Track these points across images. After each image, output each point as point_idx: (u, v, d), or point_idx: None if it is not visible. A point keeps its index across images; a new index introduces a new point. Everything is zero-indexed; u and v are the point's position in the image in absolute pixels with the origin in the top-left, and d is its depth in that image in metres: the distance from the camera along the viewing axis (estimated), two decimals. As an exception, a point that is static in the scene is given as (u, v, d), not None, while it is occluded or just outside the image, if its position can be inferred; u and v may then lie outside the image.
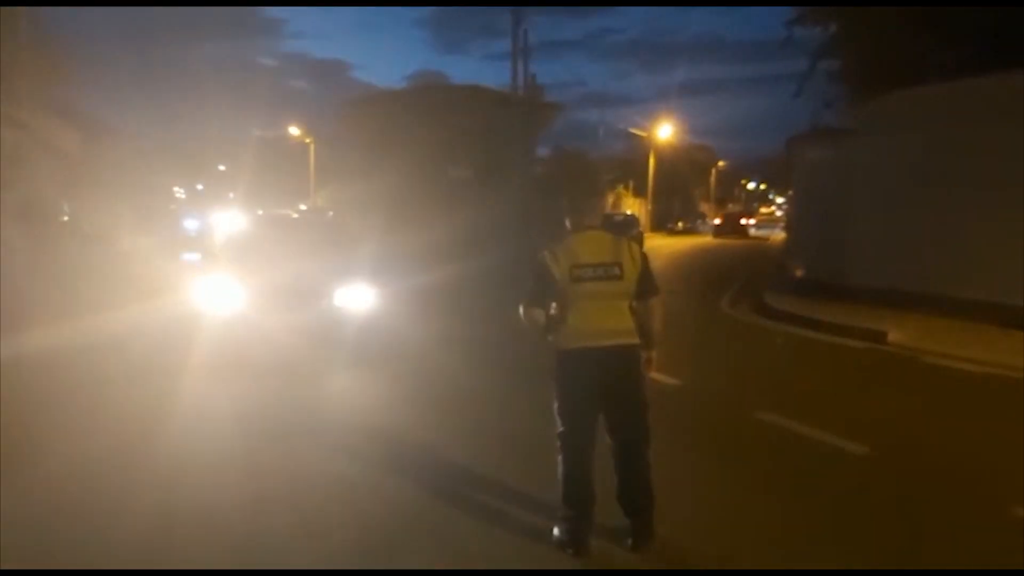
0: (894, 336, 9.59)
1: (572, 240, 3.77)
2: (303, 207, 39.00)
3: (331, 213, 27.03)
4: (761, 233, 48.03)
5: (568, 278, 3.65)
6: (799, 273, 15.09)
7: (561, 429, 3.75)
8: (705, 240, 39.29)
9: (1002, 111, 10.34)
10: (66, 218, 18.08)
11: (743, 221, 47.87)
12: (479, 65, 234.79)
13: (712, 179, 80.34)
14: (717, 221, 48.50)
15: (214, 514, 4.15)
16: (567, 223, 3.86)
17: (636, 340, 3.74)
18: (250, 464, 4.96)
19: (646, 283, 3.74)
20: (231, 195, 48.52)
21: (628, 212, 37.20)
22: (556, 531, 3.75)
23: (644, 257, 3.78)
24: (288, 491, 4.51)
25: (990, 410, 6.64)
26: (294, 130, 46.96)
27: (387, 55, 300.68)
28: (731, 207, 67.77)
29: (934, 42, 13.54)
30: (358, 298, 8.36)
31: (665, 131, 48.90)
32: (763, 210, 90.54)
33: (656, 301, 3.79)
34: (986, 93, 10.78)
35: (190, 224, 26.22)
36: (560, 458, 3.76)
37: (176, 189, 54.08)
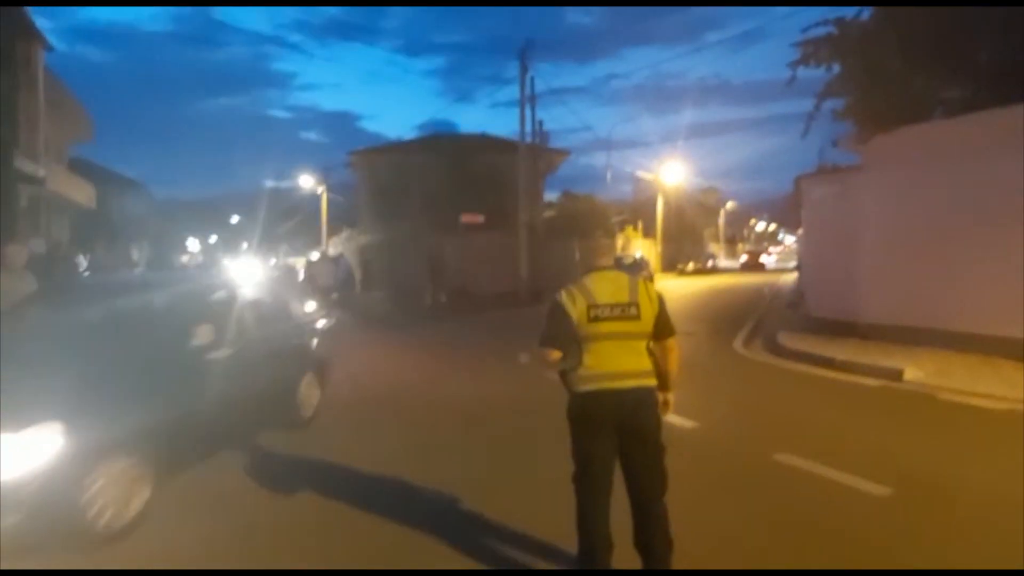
0: (910, 374, 9.50)
1: (589, 280, 3.76)
2: (315, 254, 39.27)
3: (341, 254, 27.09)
4: (776, 266, 58.30)
5: (585, 318, 3.63)
6: (811, 312, 15.02)
7: (575, 471, 3.71)
8: (716, 280, 39.23)
9: (1007, 145, 10.37)
10: (85, 272, 18.27)
11: (761, 259, 62.23)
12: (487, 113, 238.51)
13: (721, 220, 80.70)
14: (744, 258, 61.70)
15: None
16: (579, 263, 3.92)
17: (653, 382, 3.69)
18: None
19: (662, 324, 3.73)
20: (245, 245, 48.98)
21: (638, 254, 37.25)
22: None
23: (660, 298, 3.77)
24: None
25: (1011, 447, 6.53)
26: (306, 180, 47.51)
27: (396, 106, 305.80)
28: (750, 248, 78.34)
29: (937, 79, 13.65)
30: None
31: (672, 173, 49.24)
32: (774, 249, 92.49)
33: (672, 342, 3.80)
34: (991, 128, 10.83)
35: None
36: (576, 502, 3.72)
37: (190, 240, 54.70)
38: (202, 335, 5.53)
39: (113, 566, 4.19)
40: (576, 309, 3.64)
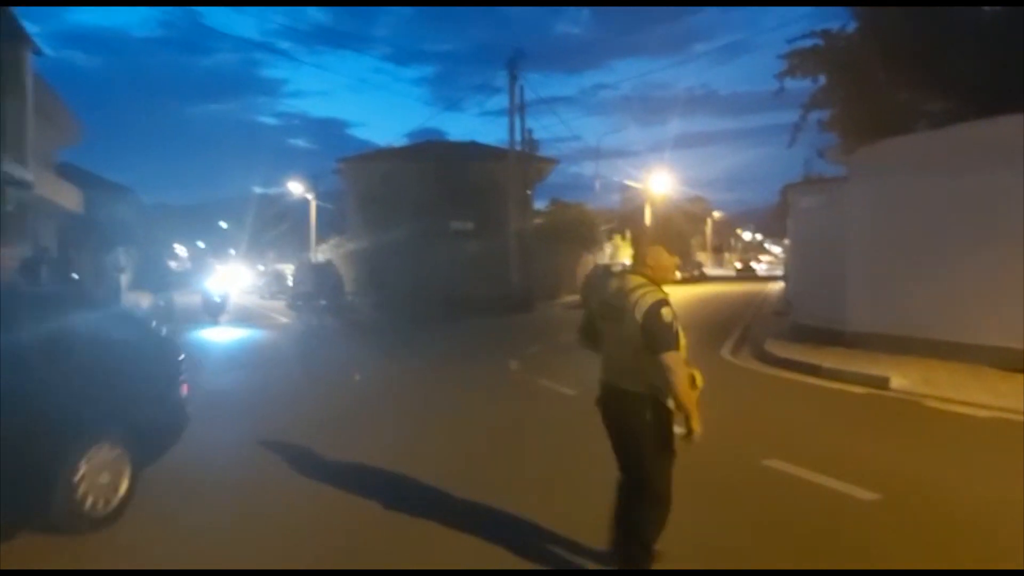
0: (896, 382, 9.61)
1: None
2: (302, 260, 39.19)
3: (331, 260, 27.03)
4: (765, 273, 64.81)
5: (597, 312, 3.91)
6: (798, 320, 15.15)
7: None
8: (703, 289, 39.42)
9: (990, 157, 10.54)
10: (75, 275, 18.14)
11: (752, 265, 76.49)
12: (476, 122, 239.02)
13: (708, 229, 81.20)
14: (739, 265, 76.50)
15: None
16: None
17: (639, 388, 3.67)
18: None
19: (649, 339, 3.57)
20: (232, 251, 48.83)
21: (626, 261, 37.38)
22: None
23: (650, 314, 3.57)
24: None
25: (996, 454, 6.63)
26: (294, 187, 47.44)
27: (385, 114, 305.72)
28: (742, 258, 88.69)
29: (921, 92, 13.84)
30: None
31: (660, 183, 49.51)
32: (764, 257, 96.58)
33: (667, 358, 3.54)
34: (974, 140, 11.01)
35: (213, 288, 23.33)
36: None
37: (177, 246, 54.44)
38: None
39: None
40: (592, 301, 3.98)
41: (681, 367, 3.57)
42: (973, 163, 10.81)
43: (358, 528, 4.85)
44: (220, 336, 18.81)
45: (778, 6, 33.92)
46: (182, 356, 6.10)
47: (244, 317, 24.33)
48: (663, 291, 3.72)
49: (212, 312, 22.26)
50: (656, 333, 3.56)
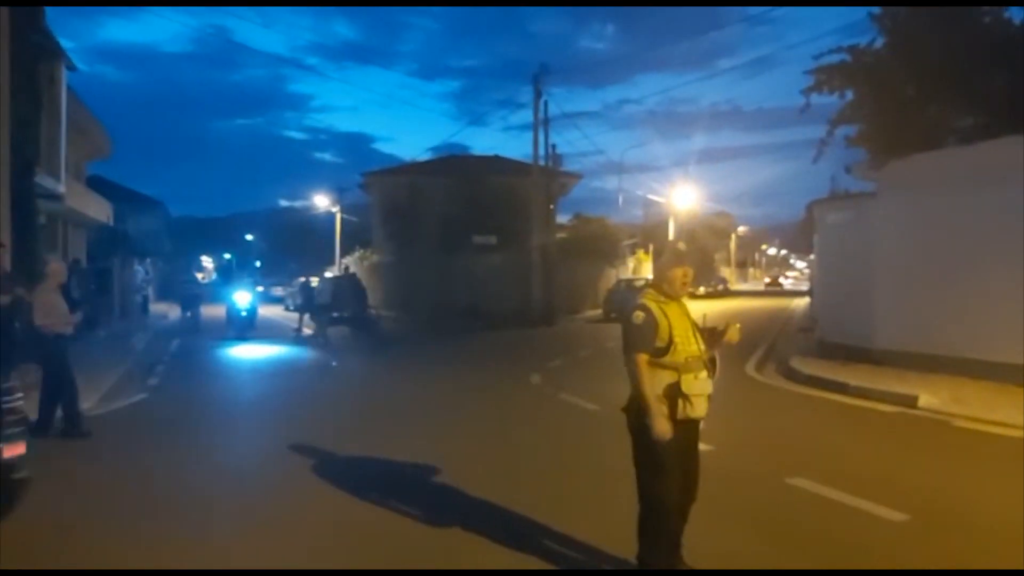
0: (925, 400, 9.45)
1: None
2: (328, 274, 39.47)
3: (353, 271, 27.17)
4: (791, 288, 66.63)
5: None
6: (824, 337, 14.97)
7: None
8: (727, 304, 39.11)
9: (1019, 174, 10.37)
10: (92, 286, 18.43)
11: (780, 279, 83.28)
12: (500, 136, 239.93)
13: (732, 244, 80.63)
14: (767, 280, 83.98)
15: None
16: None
17: (631, 394, 3.96)
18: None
19: (622, 340, 3.96)
20: (258, 263, 49.33)
21: (649, 276, 37.25)
22: None
23: (625, 316, 3.99)
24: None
25: (1028, 475, 6.49)
26: (320, 200, 47.88)
27: (410, 128, 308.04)
28: (771, 274, 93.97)
29: (950, 107, 13.70)
30: None
31: (683, 197, 49.31)
32: (789, 273, 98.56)
33: (627, 359, 3.90)
34: (1005, 156, 10.84)
35: (239, 301, 21.94)
36: None
37: (204, 258, 55.10)
38: None
39: None
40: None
41: (638, 367, 3.80)
42: (1003, 180, 10.65)
43: (385, 532, 4.85)
44: (243, 352, 18.74)
45: (813, 5, 32.49)
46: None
47: (268, 329, 24.38)
48: (658, 299, 3.93)
49: (238, 327, 21.38)
50: (624, 334, 3.92)
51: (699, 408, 3.87)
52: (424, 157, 41.15)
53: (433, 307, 29.60)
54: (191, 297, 24.70)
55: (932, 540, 4.83)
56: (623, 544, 4.12)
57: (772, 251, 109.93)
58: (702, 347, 3.93)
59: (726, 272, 69.67)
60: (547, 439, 8.11)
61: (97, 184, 30.13)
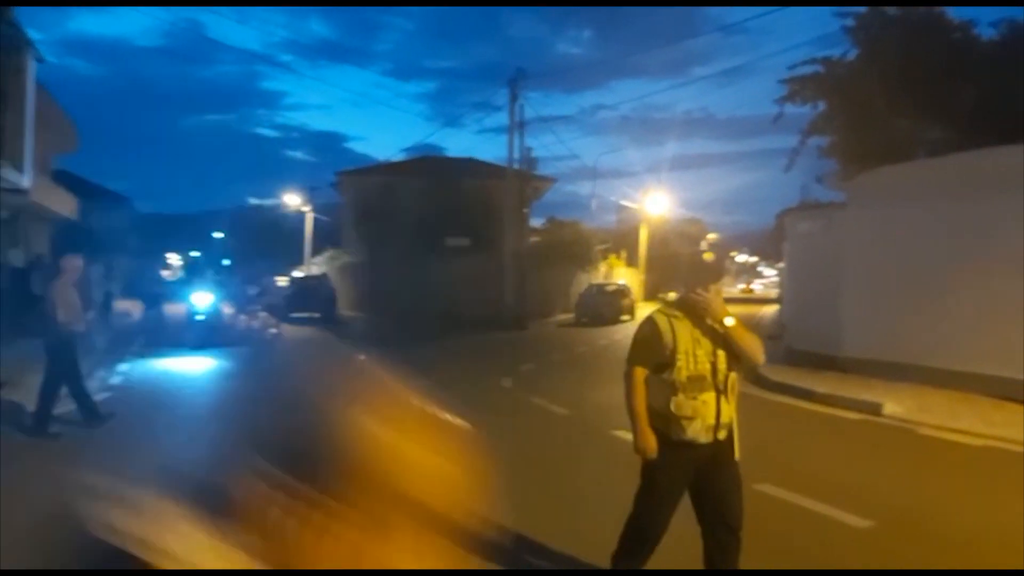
0: (890, 408, 9.58)
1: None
2: (297, 274, 39.15)
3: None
4: (761, 294, 69.40)
5: None
6: (792, 345, 15.14)
7: None
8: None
9: (988, 186, 10.58)
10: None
11: (750, 286, 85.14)
12: (474, 139, 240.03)
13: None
14: (741, 287, 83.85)
15: None
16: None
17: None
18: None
19: None
20: (226, 262, 48.74)
21: (620, 281, 37.43)
22: None
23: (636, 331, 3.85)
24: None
25: (989, 483, 6.61)
26: (291, 199, 47.42)
27: (384, 128, 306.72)
28: (744, 279, 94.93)
29: (920, 120, 13.95)
30: None
31: (656, 203, 49.69)
32: (759, 280, 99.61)
33: (626, 372, 3.80)
34: (973, 169, 11.05)
35: (198, 302, 19.49)
36: None
37: (171, 255, 54.32)
38: None
39: None
40: None
41: (630, 380, 3.69)
42: (971, 192, 10.85)
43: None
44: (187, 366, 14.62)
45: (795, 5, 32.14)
46: None
47: (236, 335, 22.63)
48: (670, 313, 3.73)
49: (195, 333, 17.86)
50: (631, 345, 3.81)
51: (692, 431, 3.57)
52: (398, 158, 40.90)
53: (405, 309, 29.47)
54: (153, 296, 24.21)
55: (896, 546, 4.89)
56: (580, 542, 4.10)
57: (742, 258, 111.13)
58: (721, 367, 3.63)
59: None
60: (516, 442, 8.08)
61: (63, 178, 29.52)
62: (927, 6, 13.72)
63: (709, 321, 3.66)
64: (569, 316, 30.91)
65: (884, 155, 12.94)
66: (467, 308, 28.88)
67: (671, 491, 3.72)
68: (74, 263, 8.34)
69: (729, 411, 3.67)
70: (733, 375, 3.68)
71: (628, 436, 6.88)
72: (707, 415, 3.58)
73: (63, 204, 24.99)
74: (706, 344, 3.62)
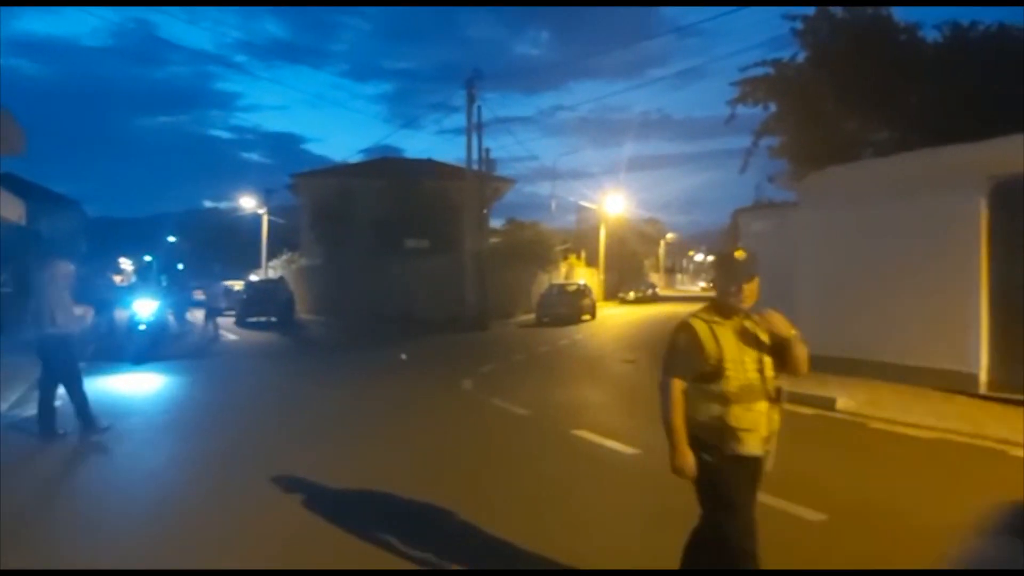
0: (842, 403, 9.79)
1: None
2: (253, 277, 38.61)
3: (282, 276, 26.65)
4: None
5: None
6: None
7: None
8: (657, 309, 39.80)
9: (932, 185, 10.88)
10: (6, 289, 17.46)
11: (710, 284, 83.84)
12: (433, 140, 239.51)
13: (661, 250, 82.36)
14: (703, 284, 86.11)
15: None
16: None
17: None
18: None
19: None
20: (180, 266, 47.88)
21: (580, 281, 37.65)
22: None
23: (669, 339, 3.54)
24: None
25: (939, 474, 6.79)
26: (247, 201, 46.75)
27: (341, 130, 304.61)
28: (706, 278, 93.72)
29: (868, 121, 14.28)
30: None
31: (615, 204, 50.14)
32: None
33: (659, 383, 3.50)
34: (918, 168, 11.35)
35: (141, 310, 18.41)
36: None
37: (122, 260, 53.15)
38: None
39: None
40: None
41: (666, 393, 3.40)
42: (917, 191, 11.14)
43: (302, 535, 4.74)
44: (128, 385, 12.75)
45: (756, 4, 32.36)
46: None
47: (183, 346, 19.79)
48: (711, 318, 3.47)
49: (135, 344, 16.28)
50: (664, 355, 3.47)
51: (749, 445, 3.36)
52: (356, 159, 40.74)
53: (364, 312, 29.26)
54: (103, 302, 23.59)
55: (851, 539, 4.99)
56: (540, 540, 4.10)
57: (699, 257, 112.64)
58: (769, 374, 3.44)
59: (655, 278, 71.00)
60: (475, 444, 8.08)
61: (9, 182, 28.69)
62: (874, 6, 14.05)
63: (749, 325, 3.46)
64: (530, 316, 31.00)
65: (833, 155, 13.22)
66: (427, 309, 28.80)
67: (746, 503, 3.50)
68: (65, 267, 8.60)
69: (777, 421, 3.49)
70: (778, 383, 3.49)
71: (588, 436, 7.08)
72: (762, 426, 3.41)
73: (10, 209, 24.27)
74: (751, 351, 3.42)
